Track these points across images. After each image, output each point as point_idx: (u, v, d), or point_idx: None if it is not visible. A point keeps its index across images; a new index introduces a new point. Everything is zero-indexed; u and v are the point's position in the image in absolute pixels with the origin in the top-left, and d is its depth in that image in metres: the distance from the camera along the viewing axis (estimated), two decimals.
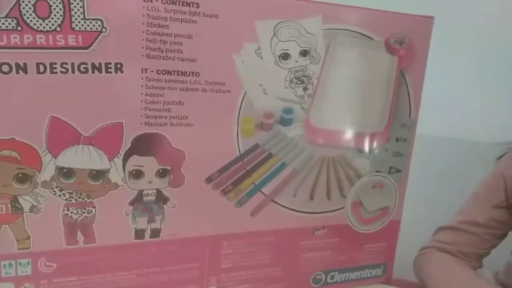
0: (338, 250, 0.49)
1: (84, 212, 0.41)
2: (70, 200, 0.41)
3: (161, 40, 0.40)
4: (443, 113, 1.05)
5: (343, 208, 0.53)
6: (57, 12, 0.37)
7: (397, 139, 0.54)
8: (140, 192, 0.43)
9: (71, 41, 0.38)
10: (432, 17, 0.52)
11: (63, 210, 0.41)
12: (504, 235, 0.65)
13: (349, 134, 0.51)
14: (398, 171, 0.55)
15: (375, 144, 0.53)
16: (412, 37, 0.51)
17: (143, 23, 0.39)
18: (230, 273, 0.49)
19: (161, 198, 0.44)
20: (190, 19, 0.41)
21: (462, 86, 1.08)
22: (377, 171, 0.54)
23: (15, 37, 0.36)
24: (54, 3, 0.36)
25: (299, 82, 0.47)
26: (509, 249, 0.69)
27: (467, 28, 1.01)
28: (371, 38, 0.49)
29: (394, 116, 0.53)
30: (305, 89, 0.48)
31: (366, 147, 0.52)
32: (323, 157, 0.50)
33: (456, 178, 1.03)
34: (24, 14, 0.36)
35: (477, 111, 1.06)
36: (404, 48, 0.51)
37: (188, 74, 0.42)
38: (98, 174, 0.41)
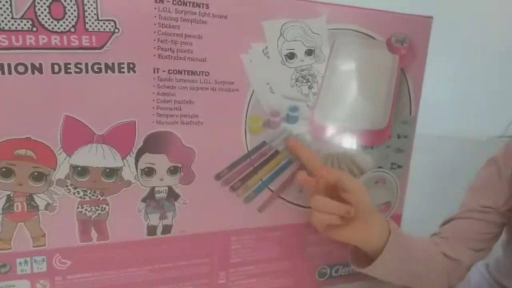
0: (342, 245, 0.51)
1: (98, 209, 0.42)
2: (84, 198, 0.41)
3: (172, 41, 0.41)
4: (448, 112, 1.06)
5: None
6: (71, 13, 0.37)
7: (398, 136, 0.55)
8: (152, 189, 0.44)
9: (85, 41, 0.38)
10: (431, 17, 0.54)
11: (77, 207, 0.41)
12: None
13: (352, 131, 0.52)
14: (399, 166, 0.57)
15: (377, 141, 0.54)
16: (412, 36, 0.52)
17: (154, 24, 0.40)
18: (239, 267, 0.50)
19: (172, 195, 0.45)
20: (200, 20, 0.42)
21: (464, 85, 1.08)
22: (379, 167, 0.55)
23: (30, 38, 0.37)
24: (68, 4, 0.37)
25: (304, 81, 0.49)
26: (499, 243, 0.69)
27: (468, 28, 1.01)
28: (373, 38, 0.51)
29: (395, 114, 0.54)
30: (310, 87, 0.49)
31: (369, 144, 0.54)
32: (328, 154, 0.52)
33: (461, 177, 1.03)
34: (39, 15, 0.37)
35: (483, 110, 1.07)
36: (405, 47, 0.52)
37: (198, 73, 0.43)
38: (112, 172, 0.42)
